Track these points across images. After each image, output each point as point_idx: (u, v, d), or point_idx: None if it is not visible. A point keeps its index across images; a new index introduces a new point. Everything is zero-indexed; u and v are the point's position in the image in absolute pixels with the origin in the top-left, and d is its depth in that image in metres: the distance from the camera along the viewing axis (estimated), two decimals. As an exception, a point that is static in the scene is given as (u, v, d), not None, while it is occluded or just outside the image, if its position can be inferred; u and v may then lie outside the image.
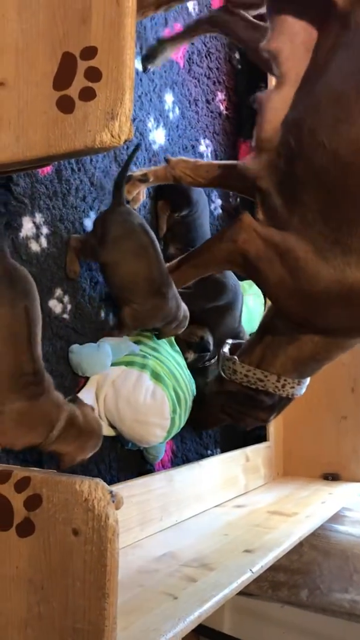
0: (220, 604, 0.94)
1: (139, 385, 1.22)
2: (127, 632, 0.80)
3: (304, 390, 1.30)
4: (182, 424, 1.31)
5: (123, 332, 1.25)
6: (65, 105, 0.75)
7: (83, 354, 1.18)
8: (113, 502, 0.70)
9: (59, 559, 0.71)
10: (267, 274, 1.12)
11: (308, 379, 1.30)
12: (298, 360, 1.23)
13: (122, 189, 1.20)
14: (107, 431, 1.26)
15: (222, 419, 1.41)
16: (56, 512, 0.72)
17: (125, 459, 1.33)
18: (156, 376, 1.26)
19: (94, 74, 0.74)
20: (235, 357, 1.29)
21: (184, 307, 1.27)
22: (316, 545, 1.70)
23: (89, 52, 0.75)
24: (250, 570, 1.05)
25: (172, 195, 1.46)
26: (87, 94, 0.74)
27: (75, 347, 1.18)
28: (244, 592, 1.77)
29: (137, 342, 1.32)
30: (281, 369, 1.24)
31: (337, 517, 1.73)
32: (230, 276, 1.51)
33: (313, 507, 1.50)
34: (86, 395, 1.19)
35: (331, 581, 1.66)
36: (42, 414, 0.90)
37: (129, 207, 1.22)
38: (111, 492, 0.70)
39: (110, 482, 1.18)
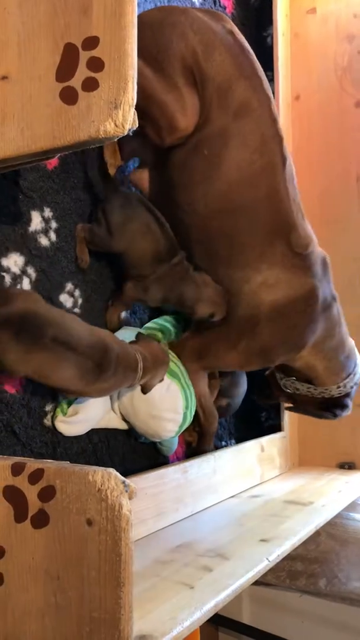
0: (237, 593, 0.94)
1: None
2: (143, 621, 0.80)
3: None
4: (191, 420, 1.31)
5: (124, 302, 1.28)
6: (69, 97, 0.75)
7: None
8: (126, 491, 0.70)
9: (74, 549, 0.72)
10: None
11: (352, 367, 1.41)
12: (328, 368, 1.38)
13: (109, 176, 1.23)
14: (120, 424, 1.26)
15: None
16: (70, 502, 0.72)
17: (139, 452, 1.33)
18: (170, 371, 1.26)
19: (96, 64, 0.74)
20: (293, 377, 1.43)
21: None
22: (333, 534, 1.69)
23: (91, 42, 0.75)
24: (267, 559, 1.05)
25: None
26: (90, 85, 0.74)
27: None
28: (262, 582, 1.77)
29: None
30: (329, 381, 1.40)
31: (354, 506, 1.72)
32: None
33: (329, 496, 1.49)
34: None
35: (349, 570, 1.66)
36: (130, 360, 1.05)
37: (123, 190, 1.25)
38: (124, 481, 0.70)
39: (124, 474, 1.18)
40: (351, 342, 1.41)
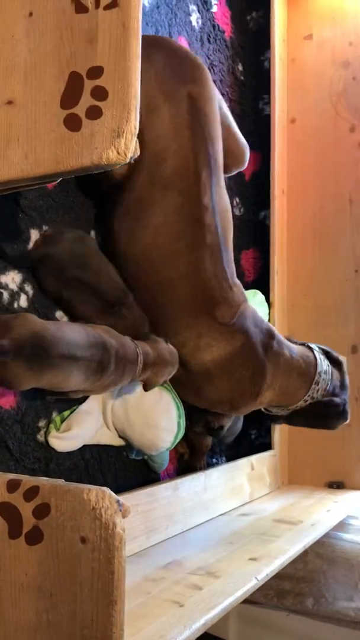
0: (226, 611, 0.95)
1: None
2: (134, 638, 0.81)
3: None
4: (184, 429, 1.33)
5: None
6: (73, 124, 0.77)
7: None
8: (120, 510, 0.71)
9: (67, 566, 0.73)
10: None
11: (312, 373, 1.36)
12: (286, 394, 1.36)
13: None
14: (116, 441, 1.27)
15: None
16: (64, 520, 0.73)
17: (131, 468, 1.34)
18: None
19: (100, 93, 0.76)
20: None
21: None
22: (321, 554, 1.70)
23: (96, 72, 0.77)
24: (256, 578, 1.06)
25: None
26: (94, 113, 0.76)
27: None
28: (250, 601, 1.78)
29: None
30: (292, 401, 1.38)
31: (342, 526, 1.73)
32: None
33: (318, 515, 1.51)
34: (91, 405, 1.21)
35: (336, 590, 1.66)
36: (129, 354, 1.08)
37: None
38: (118, 500, 0.72)
39: (116, 491, 1.19)
40: (300, 350, 1.37)
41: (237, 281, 1.29)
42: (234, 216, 1.85)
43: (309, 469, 1.91)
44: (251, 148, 1.97)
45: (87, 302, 1.15)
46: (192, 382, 1.28)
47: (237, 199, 1.90)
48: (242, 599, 1.01)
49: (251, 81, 2.01)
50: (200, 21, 1.73)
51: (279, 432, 1.90)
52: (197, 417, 1.45)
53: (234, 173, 1.44)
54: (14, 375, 0.90)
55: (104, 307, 1.16)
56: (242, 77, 1.96)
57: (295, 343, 1.40)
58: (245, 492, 1.63)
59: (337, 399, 1.35)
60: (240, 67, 1.95)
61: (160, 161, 1.16)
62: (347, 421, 1.41)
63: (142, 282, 1.20)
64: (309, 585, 1.70)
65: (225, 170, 1.32)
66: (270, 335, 1.31)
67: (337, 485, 1.85)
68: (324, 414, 1.36)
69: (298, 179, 2.03)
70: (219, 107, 1.29)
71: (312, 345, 1.39)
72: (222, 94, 1.83)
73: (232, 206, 1.87)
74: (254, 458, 1.71)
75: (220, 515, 1.49)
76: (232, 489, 1.57)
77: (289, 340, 1.40)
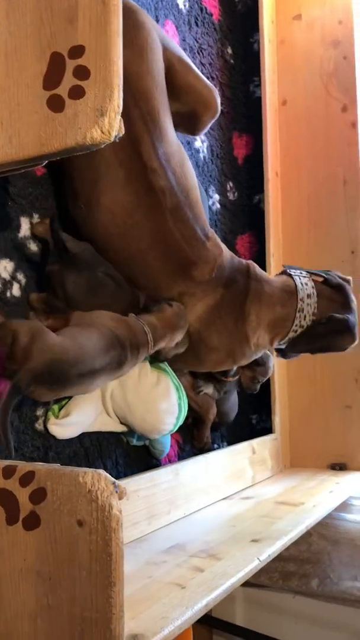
0: (228, 592, 0.95)
1: (143, 375, 1.23)
2: (136, 621, 0.81)
3: None
4: (186, 411, 1.33)
5: None
6: (56, 104, 0.76)
7: None
8: (116, 492, 0.71)
9: (65, 550, 0.72)
10: None
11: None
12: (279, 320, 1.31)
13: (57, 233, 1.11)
14: (117, 427, 1.27)
15: None
16: (61, 504, 0.73)
17: (132, 455, 1.34)
18: (157, 366, 1.28)
19: (82, 73, 0.75)
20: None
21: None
22: (325, 535, 1.70)
23: (77, 51, 0.76)
24: (258, 559, 1.06)
25: None
26: (77, 92, 0.75)
27: None
28: (255, 584, 1.78)
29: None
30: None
31: (345, 506, 1.73)
32: None
33: (320, 497, 1.51)
34: (89, 395, 1.20)
35: (341, 570, 1.67)
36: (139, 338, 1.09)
37: (73, 252, 1.13)
38: (114, 482, 0.71)
39: (117, 478, 1.19)
40: (280, 280, 1.33)
41: (211, 233, 1.26)
42: (228, 201, 1.86)
43: (311, 451, 1.91)
44: (243, 131, 1.97)
45: (117, 300, 1.15)
46: (188, 348, 1.27)
47: (231, 184, 1.89)
48: (244, 580, 1.01)
49: (241, 64, 2.00)
50: (187, 4, 1.71)
51: (280, 416, 1.90)
52: (204, 380, 1.46)
53: (209, 124, 1.33)
54: (37, 395, 0.94)
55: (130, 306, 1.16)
56: (231, 60, 1.95)
57: (285, 272, 1.36)
58: (247, 475, 1.63)
59: (337, 315, 1.29)
60: (229, 50, 1.94)
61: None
62: (356, 341, 1.33)
63: (115, 259, 1.17)
64: (314, 566, 1.71)
65: (198, 122, 1.27)
66: (248, 274, 1.28)
67: (339, 467, 1.85)
68: (324, 333, 1.30)
69: (291, 160, 2.02)
70: (160, 55, 1.19)
71: (292, 271, 1.34)
72: (212, 78, 1.82)
73: (226, 190, 1.86)
74: (255, 442, 1.71)
75: (222, 499, 1.49)
76: (233, 472, 1.57)
77: (284, 269, 1.37)
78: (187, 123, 1.27)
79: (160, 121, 1.15)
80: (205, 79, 1.28)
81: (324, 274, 1.36)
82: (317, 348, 1.33)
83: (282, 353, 1.37)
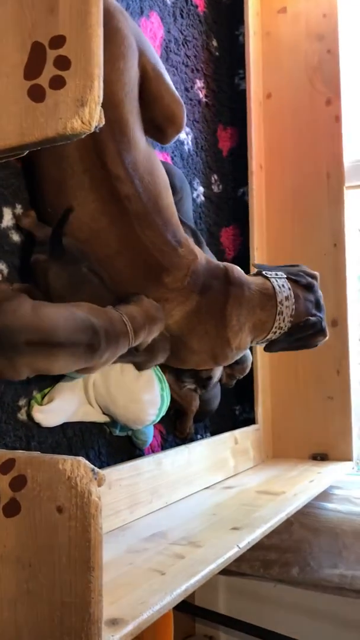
0: (207, 578, 0.96)
1: (126, 365, 1.24)
2: (115, 606, 0.82)
3: None
4: (169, 401, 1.34)
5: None
6: (37, 94, 0.77)
7: None
8: (95, 479, 0.72)
9: (45, 536, 0.73)
10: None
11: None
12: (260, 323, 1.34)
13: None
14: (100, 417, 1.28)
15: None
16: (41, 491, 0.74)
17: (115, 445, 1.35)
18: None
19: (63, 63, 0.76)
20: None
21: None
22: (306, 524, 1.73)
23: (58, 41, 0.76)
24: (237, 545, 1.08)
25: None
26: (57, 83, 0.76)
27: None
28: (238, 572, 1.81)
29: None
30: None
31: (325, 495, 1.76)
32: None
33: (301, 486, 1.53)
34: (72, 380, 1.21)
35: (321, 558, 1.70)
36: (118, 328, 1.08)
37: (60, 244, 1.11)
38: (93, 469, 0.72)
39: (100, 468, 1.20)
40: (258, 283, 1.33)
41: (184, 239, 1.25)
42: (213, 193, 1.86)
43: (293, 442, 1.93)
44: (228, 124, 1.98)
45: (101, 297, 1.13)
46: (170, 349, 1.29)
47: (215, 176, 1.89)
48: (224, 567, 1.02)
49: (226, 56, 2.00)
50: (172, -5, 1.71)
51: (262, 407, 1.92)
52: (186, 375, 1.48)
53: (173, 137, 1.30)
54: None
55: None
56: (216, 53, 1.95)
57: (261, 273, 1.37)
58: (229, 466, 1.65)
59: (312, 318, 1.34)
60: (214, 43, 1.94)
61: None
62: (327, 337, 1.39)
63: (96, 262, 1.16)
64: (295, 554, 1.73)
65: (163, 134, 1.25)
66: (227, 279, 1.29)
67: (320, 457, 1.88)
68: (301, 336, 1.35)
69: (275, 153, 2.03)
70: (135, 61, 1.17)
71: (269, 274, 1.36)
72: (197, 70, 1.82)
73: (211, 183, 1.87)
74: (238, 432, 1.73)
75: (204, 488, 1.50)
76: (215, 462, 1.58)
77: (258, 270, 1.38)
78: (154, 132, 1.26)
79: (128, 129, 1.14)
80: (175, 91, 1.26)
81: (293, 274, 1.39)
82: (294, 347, 1.39)
83: (264, 348, 1.40)
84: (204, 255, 1.30)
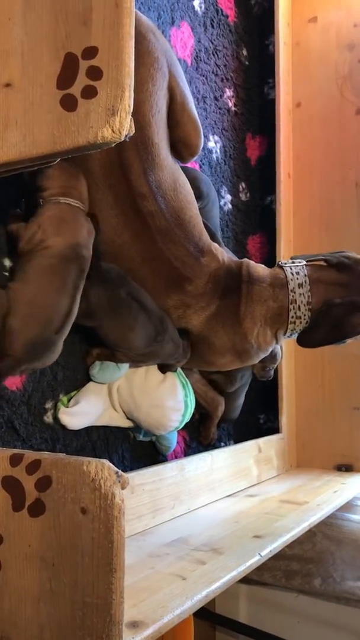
0: (228, 584, 0.97)
1: (150, 371, 1.25)
2: (136, 609, 0.83)
3: None
4: (193, 408, 1.34)
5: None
6: (69, 104, 0.79)
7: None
8: (119, 481, 0.73)
9: (68, 536, 0.75)
10: None
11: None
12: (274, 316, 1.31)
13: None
14: (124, 422, 1.29)
15: None
16: (65, 492, 0.75)
17: (138, 450, 1.36)
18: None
19: (95, 73, 0.77)
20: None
21: (183, 343, 1.27)
22: (329, 535, 1.71)
23: (90, 52, 0.78)
24: (259, 554, 1.08)
25: None
26: (89, 92, 0.77)
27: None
28: (259, 582, 1.80)
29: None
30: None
31: (350, 507, 1.74)
32: None
33: (325, 496, 1.52)
34: (98, 384, 1.23)
35: (344, 569, 1.68)
36: None
37: (107, 270, 1.15)
38: (117, 472, 0.73)
39: (122, 472, 1.21)
40: (271, 275, 1.31)
41: (207, 247, 1.26)
42: (240, 201, 1.87)
43: (318, 452, 1.92)
44: (257, 132, 1.99)
45: (145, 326, 1.16)
46: (195, 351, 1.30)
47: (243, 184, 1.90)
48: (245, 574, 1.02)
49: (256, 66, 2.01)
50: (203, 6, 1.73)
51: (287, 416, 1.91)
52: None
53: (188, 160, 1.32)
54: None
55: (154, 336, 1.18)
56: (246, 62, 1.96)
57: (279, 265, 1.33)
58: (252, 474, 1.65)
59: (336, 300, 1.26)
60: (244, 52, 1.95)
61: (86, 158, 1.13)
62: None
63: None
64: (317, 565, 1.72)
65: (180, 156, 1.28)
66: (240, 277, 1.28)
67: (345, 468, 1.86)
68: (333, 322, 1.27)
69: (304, 163, 2.03)
70: (165, 83, 1.20)
71: (284, 262, 1.33)
72: (226, 79, 1.84)
73: (238, 191, 1.87)
74: (262, 441, 1.72)
75: (227, 496, 1.50)
76: (238, 470, 1.58)
77: (293, 258, 1.36)
78: (173, 152, 1.28)
79: (154, 149, 1.17)
80: (196, 118, 1.28)
81: (324, 256, 1.33)
82: (333, 337, 1.29)
83: (298, 343, 1.34)
84: (227, 258, 1.31)
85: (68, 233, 1.03)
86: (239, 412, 1.66)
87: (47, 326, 0.98)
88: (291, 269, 1.30)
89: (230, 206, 1.83)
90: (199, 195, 1.50)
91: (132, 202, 1.15)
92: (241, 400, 1.65)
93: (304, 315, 1.27)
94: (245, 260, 1.33)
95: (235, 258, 1.41)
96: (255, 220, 1.96)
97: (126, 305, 1.14)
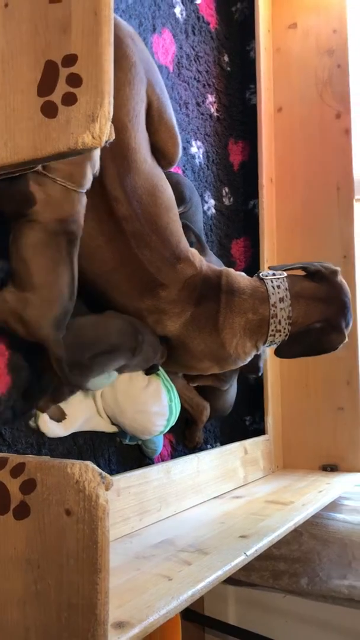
0: (214, 584, 0.97)
1: (134, 376, 1.26)
2: (121, 609, 0.84)
3: None
4: (178, 412, 1.35)
5: None
6: (49, 111, 0.80)
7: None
8: (103, 483, 0.74)
9: (53, 538, 0.75)
10: None
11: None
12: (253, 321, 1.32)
13: None
14: (109, 428, 1.29)
15: None
16: (50, 494, 0.76)
17: (124, 454, 1.36)
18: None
19: (75, 80, 0.78)
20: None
21: (161, 348, 1.29)
22: (315, 535, 1.73)
23: (70, 60, 0.79)
24: (245, 553, 1.09)
25: None
26: (69, 99, 0.78)
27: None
28: (247, 583, 1.81)
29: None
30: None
31: (335, 506, 1.76)
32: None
33: (310, 496, 1.53)
34: (82, 394, 1.23)
35: (330, 568, 1.69)
36: None
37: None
38: (101, 473, 0.74)
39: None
40: (251, 286, 1.32)
41: (185, 254, 1.27)
42: (224, 206, 1.89)
43: (303, 453, 1.93)
44: (239, 138, 2.01)
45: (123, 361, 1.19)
46: (174, 355, 1.31)
47: (227, 189, 1.92)
48: (230, 573, 1.03)
49: (237, 71, 2.03)
50: (184, 13, 1.75)
51: (272, 417, 1.92)
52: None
53: (167, 169, 1.33)
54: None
55: (132, 357, 1.20)
56: (228, 68, 1.98)
57: (260, 277, 1.35)
58: (239, 475, 1.66)
59: (317, 324, 1.29)
60: (226, 58, 1.97)
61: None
62: (345, 339, 1.33)
63: (86, 276, 1.19)
64: (304, 565, 1.73)
65: (159, 163, 1.28)
66: (219, 287, 1.29)
67: (331, 468, 1.88)
68: (311, 340, 1.31)
69: (286, 167, 2.05)
70: (142, 88, 1.20)
71: (266, 275, 1.34)
72: (208, 85, 1.85)
73: (222, 195, 1.89)
74: (248, 442, 1.74)
75: (214, 498, 1.51)
76: (225, 472, 1.59)
77: (272, 270, 1.37)
78: (155, 159, 1.28)
79: (129, 153, 1.17)
80: (173, 126, 1.29)
81: (302, 264, 1.36)
82: (309, 352, 1.35)
83: (275, 353, 1.39)
84: (205, 265, 1.31)
85: (57, 210, 1.04)
86: (230, 405, 1.65)
87: (61, 298, 1.02)
88: (272, 282, 1.32)
89: (213, 211, 1.84)
90: (182, 199, 1.52)
91: (107, 206, 1.16)
92: (231, 394, 1.65)
93: (284, 328, 1.30)
94: (225, 269, 1.34)
95: (220, 263, 1.42)
96: (239, 225, 1.98)
97: (97, 364, 1.14)
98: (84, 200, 1.07)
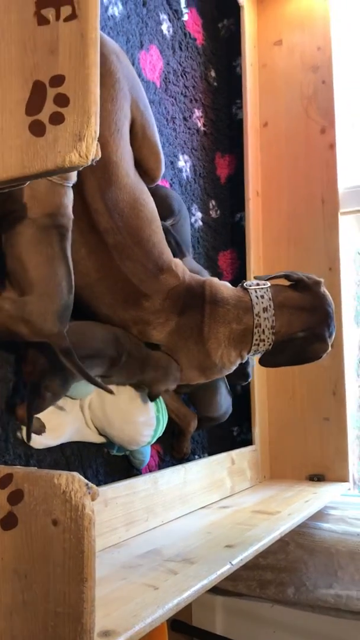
0: (200, 593, 0.99)
1: (122, 388, 1.27)
2: (108, 618, 0.85)
3: None
4: (165, 423, 1.37)
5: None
6: (37, 129, 0.82)
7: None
8: (89, 493, 0.75)
9: (40, 548, 0.77)
10: None
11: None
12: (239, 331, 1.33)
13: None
14: (96, 439, 1.31)
15: None
16: (37, 504, 0.77)
17: (112, 464, 1.38)
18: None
19: (62, 100, 0.81)
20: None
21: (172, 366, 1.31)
22: (302, 544, 1.74)
23: (58, 80, 0.81)
24: (230, 562, 1.10)
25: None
26: (57, 119, 0.81)
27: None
28: (234, 592, 1.82)
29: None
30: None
31: (321, 516, 1.78)
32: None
33: (296, 506, 1.55)
34: (68, 403, 1.24)
35: (316, 578, 1.71)
36: None
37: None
38: (87, 484, 0.75)
39: (97, 486, 1.23)
40: (235, 296, 1.33)
41: (168, 264, 1.28)
42: (211, 218, 1.92)
43: (290, 463, 1.95)
44: (226, 151, 2.04)
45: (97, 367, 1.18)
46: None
47: (213, 202, 1.95)
48: (216, 582, 1.04)
49: (224, 87, 2.07)
50: (171, 30, 1.78)
51: (259, 428, 1.94)
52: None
53: (151, 185, 1.33)
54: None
55: (111, 366, 1.21)
56: (214, 83, 2.02)
57: (244, 287, 1.35)
58: (226, 486, 1.67)
59: (300, 334, 1.31)
60: (212, 74, 2.01)
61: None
62: (328, 348, 1.35)
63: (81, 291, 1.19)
64: (290, 574, 1.74)
65: (143, 179, 1.30)
66: (203, 297, 1.30)
67: (317, 478, 1.90)
68: (295, 350, 1.33)
69: (272, 180, 2.08)
70: (126, 103, 1.22)
71: (248, 284, 1.36)
72: (195, 100, 1.89)
73: (209, 209, 1.92)
74: (234, 453, 1.75)
75: (201, 508, 1.52)
76: (212, 482, 1.61)
77: (257, 279, 1.39)
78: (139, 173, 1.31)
79: (110, 167, 1.19)
80: (156, 144, 1.31)
81: (285, 273, 1.38)
82: (293, 362, 1.37)
83: (259, 362, 1.41)
84: (187, 275, 1.33)
85: (44, 204, 1.05)
86: (225, 411, 1.64)
87: (60, 292, 1.03)
88: (256, 292, 1.33)
89: (201, 223, 1.87)
90: (171, 212, 1.54)
91: (88, 218, 1.18)
92: (222, 399, 1.64)
93: (268, 338, 1.31)
94: (208, 279, 1.36)
95: (200, 269, 1.44)
96: (226, 237, 2.00)
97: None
98: (70, 193, 1.09)
